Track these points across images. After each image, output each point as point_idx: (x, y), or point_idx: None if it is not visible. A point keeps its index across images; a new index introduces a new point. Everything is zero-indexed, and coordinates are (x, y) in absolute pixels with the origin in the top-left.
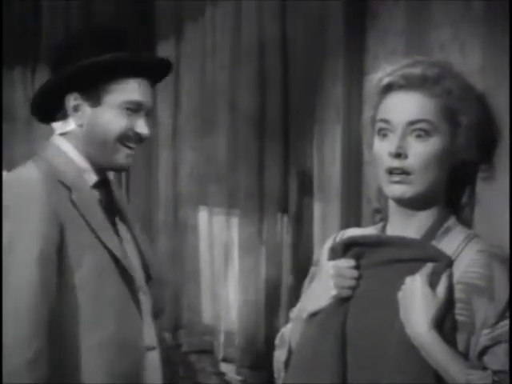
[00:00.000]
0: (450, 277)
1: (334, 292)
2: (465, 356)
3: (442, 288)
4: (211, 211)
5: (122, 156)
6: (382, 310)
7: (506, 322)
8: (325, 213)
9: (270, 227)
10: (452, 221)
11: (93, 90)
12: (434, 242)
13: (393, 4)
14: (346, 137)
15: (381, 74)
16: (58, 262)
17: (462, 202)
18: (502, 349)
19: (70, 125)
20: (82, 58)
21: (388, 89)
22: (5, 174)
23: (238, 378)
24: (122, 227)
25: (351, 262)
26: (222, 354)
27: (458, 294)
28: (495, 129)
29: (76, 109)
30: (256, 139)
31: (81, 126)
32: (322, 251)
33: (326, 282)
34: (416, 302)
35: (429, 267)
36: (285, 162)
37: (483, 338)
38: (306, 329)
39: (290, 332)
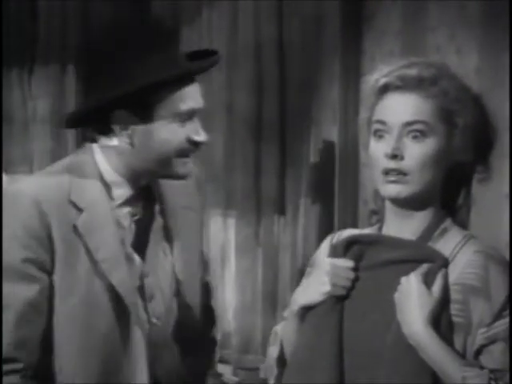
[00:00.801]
0: (446, 276)
1: (327, 288)
2: (461, 355)
3: (437, 287)
4: (208, 212)
5: (181, 166)
6: (379, 312)
7: (502, 321)
8: (321, 214)
9: (266, 228)
10: (448, 222)
11: (143, 106)
12: (430, 244)
13: (389, 6)
14: (343, 138)
15: (377, 75)
16: (48, 286)
17: (458, 203)
18: (498, 348)
19: (113, 141)
20: (126, 75)
21: (384, 90)
22: (5, 180)
23: (235, 379)
24: (158, 247)
25: (349, 263)
26: (218, 354)
27: (454, 295)
28: (491, 130)
29: (125, 127)
30: (252, 141)
31: (130, 144)
32: (318, 252)
33: (321, 277)
34: (411, 300)
35: (424, 267)
36: (281, 164)
37: (479, 337)
38: (301, 330)
39: (281, 328)
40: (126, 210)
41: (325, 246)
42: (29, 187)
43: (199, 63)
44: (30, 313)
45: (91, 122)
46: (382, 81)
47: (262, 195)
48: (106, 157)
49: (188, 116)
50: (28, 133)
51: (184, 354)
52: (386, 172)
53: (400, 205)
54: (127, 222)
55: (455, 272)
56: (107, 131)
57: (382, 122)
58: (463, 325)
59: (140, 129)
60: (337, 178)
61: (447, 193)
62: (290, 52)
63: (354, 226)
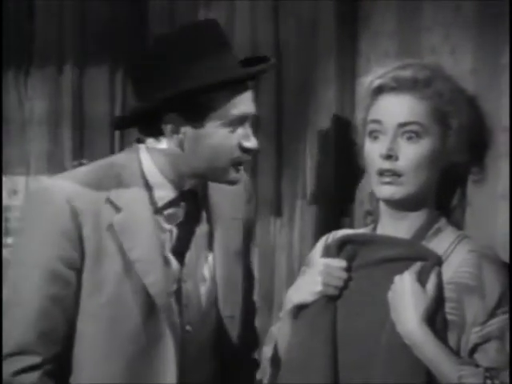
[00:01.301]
0: (439, 274)
1: (319, 288)
2: (456, 353)
3: (431, 285)
4: None
5: (231, 173)
6: (373, 311)
7: (496, 319)
8: (318, 215)
9: (263, 230)
10: (442, 222)
11: (195, 110)
12: (423, 243)
13: (384, 7)
14: (339, 139)
15: (372, 76)
16: (75, 284)
17: (452, 203)
18: (493, 346)
19: (162, 144)
20: (179, 78)
21: (379, 91)
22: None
23: None
24: (200, 254)
25: (342, 263)
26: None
27: (448, 294)
28: (486, 131)
29: (176, 131)
30: None
31: (180, 148)
32: (313, 252)
33: (314, 276)
34: (406, 299)
35: (417, 265)
36: (278, 165)
37: (473, 335)
38: (295, 329)
39: (276, 329)
40: (168, 212)
41: (320, 245)
42: (62, 184)
43: (252, 69)
44: (53, 308)
45: (141, 124)
46: (377, 82)
47: (258, 196)
48: (153, 158)
49: (239, 122)
50: (25, 134)
51: (221, 370)
52: (381, 173)
53: (394, 206)
54: (168, 225)
55: (449, 271)
56: (157, 133)
57: (377, 123)
58: (457, 323)
59: (191, 133)
60: (333, 179)
61: (442, 194)
62: (287, 53)
63: (351, 226)
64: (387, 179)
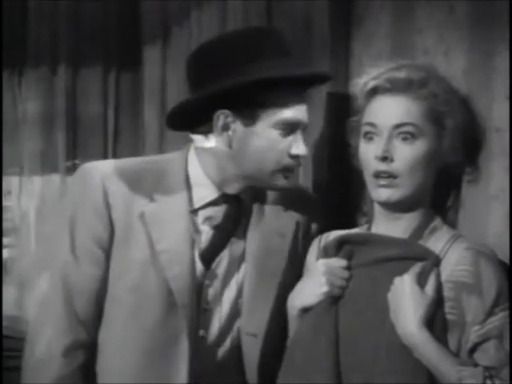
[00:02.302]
0: (438, 276)
1: (325, 289)
2: (456, 354)
3: (430, 287)
4: None
5: (280, 179)
6: (373, 310)
7: (494, 318)
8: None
9: None
10: (438, 221)
11: (248, 108)
12: (421, 242)
13: (378, 9)
14: (333, 140)
15: (366, 77)
16: (104, 265)
17: (447, 204)
18: (492, 345)
19: (211, 142)
20: (236, 72)
21: (374, 92)
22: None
23: None
24: (232, 262)
25: (343, 262)
26: None
27: (446, 293)
28: (479, 131)
29: (226, 128)
30: None
31: (229, 146)
32: (308, 256)
33: (317, 278)
34: (405, 301)
35: (417, 267)
36: None
37: (473, 335)
38: (297, 330)
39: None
40: (206, 213)
41: (313, 248)
42: (103, 167)
43: (309, 70)
44: (86, 288)
45: (192, 120)
46: (372, 83)
47: None
48: (199, 157)
49: (291, 128)
50: (18, 134)
51: None
52: (377, 175)
53: (390, 208)
54: (204, 226)
55: (447, 269)
56: (207, 131)
57: (372, 125)
58: (457, 322)
59: (241, 131)
60: (327, 181)
61: (437, 194)
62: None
63: (345, 228)
64: (383, 182)
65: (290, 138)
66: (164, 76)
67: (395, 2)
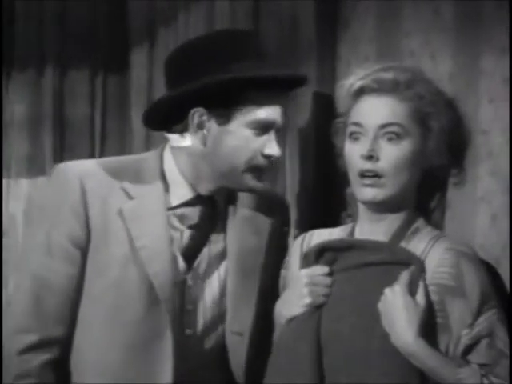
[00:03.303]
0: (425, 281)
1: (308, 300)
2: (451, 357)
3: (420, 295)
4: None
5: (250, 180)
6: (357, 315)
7: (483, 318)
8: (297, 217)
9: None
10: (420, 222)
11: (223, 107)
12: (403, 243)
13: (364, 12)
14: (319, 141)
15: (353, 78)
16: (79, 263)
17: (431, 205)
18: (484, 344)
19: (187, 141)
20: (213, 71)
21: (360, 92)
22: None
23: None
24: (212, 261)
25: (325, 269)
26: None
27: (431, 296)
28: (465, 134)
29: (201, 126)
30: None
31: (203, 144)
32: (290, 253)
33: (300, 289)
34: (399, 313)
35: (405, 275)
36: None
37: (464, 338)
38: (281, 335)
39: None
40: (182, 212)
41: (295, 248)
42: (79, 165)
43: (286, 74)
44: (57, 286)
45: (168, 119)
46: (358, 84)
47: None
48: (174, 157)
49: (265, 127)
50: (5, 137)
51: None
52: (362, 174)
53: (375, 208)
54: (180, 225)
55: (429, 271)
56: (182, 129)
57: (358, 124)
58: (442, 325)
59: (215, 130)
60: (313, 182)
61: (422, 195)
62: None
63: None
64: (368, 181)
65: (264, 137)
66: (151, 78)
67: (381, 5)
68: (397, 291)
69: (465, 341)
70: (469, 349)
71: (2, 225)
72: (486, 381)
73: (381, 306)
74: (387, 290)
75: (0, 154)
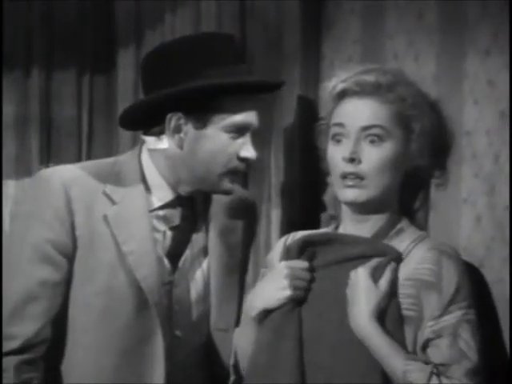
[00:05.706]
0: (394, 270)
1: (288, 292)
2: (413, 349)
3: (384, 281)
4: None
5: (226, 182)
6: (336, 310)
7: (450, 316)
8: (283, 218)
9: None
10: (405, 223)
11: (200, 111)
12: (385, 241)
13: (348, 14)
14: (304, 143)
15: (335, 80)
16: (65, 270)
17: (414, 207)
18: (445, 342)
19: (163, 144)
20: (190, 77)
21: (342, 95)
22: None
23: None
24: (195, 260)
25: (305, 264)
26: None
27: (408, 290)
28: (448, 136)
29: (177, 130)
30: None
31: (180, 147)
32: (272, 253)
33: (279, 281)
34: (358, 294)
35: (373, 261)
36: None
37: (427, 330)
38: (261, 334)
39: (235, 335)
40: (163, 214)
41: (279, 247)
42: (62, 172)
43: (261, 80)
44: (40, 292)
45: (145, 121)
46: (340, 86)
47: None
48: (153, 159)
49: (241, 131)
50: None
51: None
52: (344, 176)
53: (357, 209)
54: (162, 226)
55: (409, 268)
56: (159, 132)
57: (341, 125)
58: (415, 318)
59: (192, 133)
60: (299, 183)
61: (405, 197)
62: (252, 57)
63: (313, 228)
64: (350, 182)
65: (240, 140)
66: (137, 79)
67: (365, 6)
68: (359, 273)
69: (427, 333)
70: (428, 343)
71: (1, 225)
72: (434, 380)
73: (347, 290)
74: (352, 273)
75: (0, 154)
